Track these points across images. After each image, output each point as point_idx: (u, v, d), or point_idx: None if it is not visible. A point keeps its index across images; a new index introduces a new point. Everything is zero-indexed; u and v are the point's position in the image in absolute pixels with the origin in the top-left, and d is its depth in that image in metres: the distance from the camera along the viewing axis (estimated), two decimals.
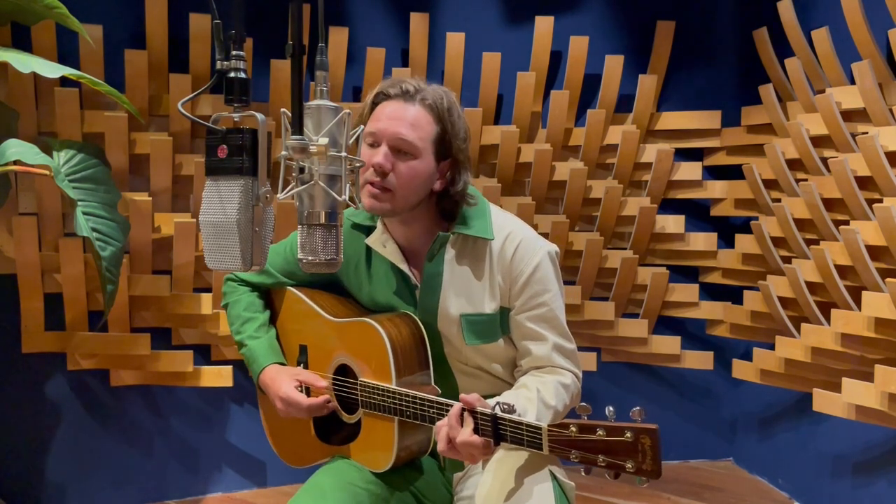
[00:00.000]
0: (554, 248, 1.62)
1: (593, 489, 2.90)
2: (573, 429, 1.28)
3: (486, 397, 1.41)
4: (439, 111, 1.53)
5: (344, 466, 1.60)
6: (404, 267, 1.63)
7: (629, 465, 1.23)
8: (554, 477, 1.51)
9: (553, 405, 1.49)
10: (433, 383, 1.57)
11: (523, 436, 1.33)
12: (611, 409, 1.27)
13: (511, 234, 1.59)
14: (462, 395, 1.38)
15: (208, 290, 2.75)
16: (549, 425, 1.30)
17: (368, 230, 1.67)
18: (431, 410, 1.46)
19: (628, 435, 1.23)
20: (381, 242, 1.64)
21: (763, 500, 2.91)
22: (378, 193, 1.52)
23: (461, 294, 1.59)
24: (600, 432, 1.25)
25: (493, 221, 1.60)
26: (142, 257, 2.67)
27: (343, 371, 1.65)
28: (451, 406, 1.39)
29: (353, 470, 1.59)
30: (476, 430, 1.35)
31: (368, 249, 1.67)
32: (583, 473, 1.30)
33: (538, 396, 1.48)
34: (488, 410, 1.35)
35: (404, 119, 1.51)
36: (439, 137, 1.53)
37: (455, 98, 1.58)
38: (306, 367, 1.72)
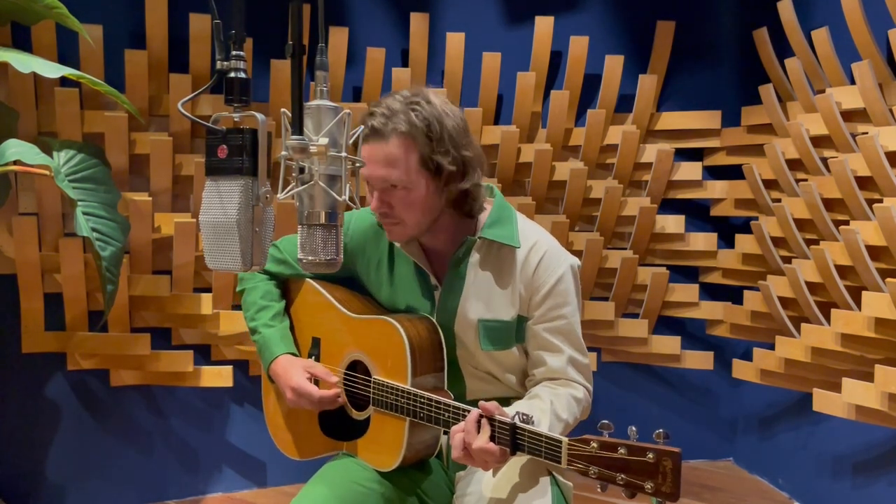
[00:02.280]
0: (577, 261, 1.62)
1: (594, 489, 2.89)
2: (594, 445, 1.28)
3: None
4: (415, 133, 1.47)
5: (348, 465, 1.61)
6: (426, 267, 1.63)
7: (648, 486, 1.23)
8: (553, 476, 1.52)
9: (565, 418, 1.50)
10: (445, 388, 1.57)
11: (542, 448, 1.33)
12: (633, 428, 1.27)
13: (537, 244, 1.59)
14: (481, 403, 1.38)
15: (208, 290, 2.75)
16: (570, 439, 1.30)
17: None
18: (447, 414, 1.46)
19: (650, 456, 1.23)
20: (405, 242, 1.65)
21: (763, 500, 2.91)
22: (392, 227, 1.56)
23: (481, 299, 1.59)
24: (622, 451, 1.25)
25: (519, 229, 1.61)
26: (142, 257, 2.67)
27: (354, 367, 1.66)
28: (468, 411, 1.40)
29: (357, 469, 1.59)
30: (492, 438, 1.36)
31: (391, 249, 1.68)
32: (599, 490, 1.31)
33: (551, 409, 1.48)
34: (507, 420, 1.35)
35: (382, 160, 1.48)
36: (424, 159, 1.49)
37: (437, 100, 1.52)
38: (318, 359, 1.72)
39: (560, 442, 1.31)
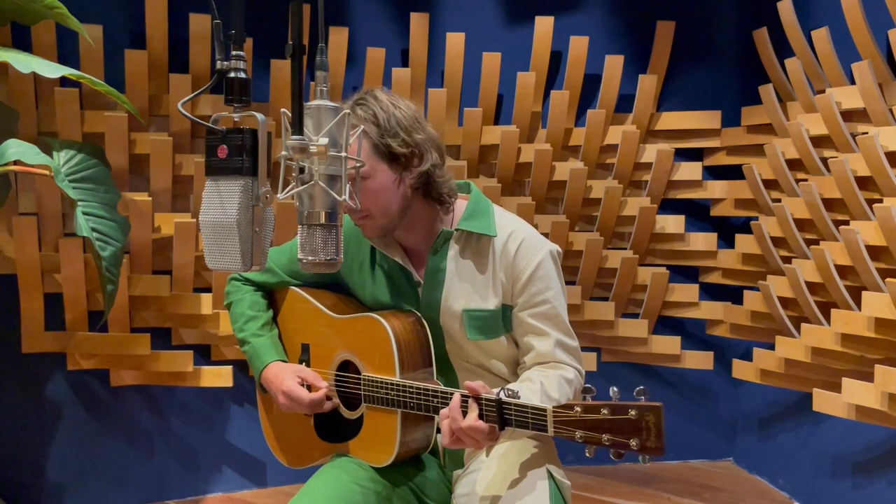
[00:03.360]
0: (555, 247, 1.64)
1: (593, 489, 2.89)
2: (578, 409, 1.30)
3: None
4: (364, 126, 1.52)
5: (346, 465, 1.61)
6: (407, 264, 1.64)
7: (633, 443, 1.25)
8: (551, 476, 1.52)
9: (556, 398, 1.50)
10: (435, 380, 1.58)
11: (528, 418, 1.34)
12: (615, 389, 1.30)
13: (514, 232, 1.61)
14: (466, 383, 1.40)
15: (208, 290, 2.75)
16: (554, 407, 1.32)
17: None
18: (436, 400, 1.47)
19: (632, 413, 1.25)
20: (385, 242, 1.66)
21: (763, 500, 2.91)
22: (362, 223, 1.58)
23: (464, 289, 1.61)
24: (605, 411, 1.28)
25: (496, 220, 1.62)
26: (142, 257, 2.67)
27: (345, 368, 1.66)
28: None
29: (354, 468, 1.59)
30: (481, 417, 1.37)
31: (373, 249, 1.69)
32: (587, 454, 1.32)
33: (542, 389, 1.49)
34: (493, 396, 1.37)
35: None
36: (376, 146, 1.53)
37: (384, 95, 1.56)
38: (308, 365, 1.73)
39: (545, 410, 1.33)
